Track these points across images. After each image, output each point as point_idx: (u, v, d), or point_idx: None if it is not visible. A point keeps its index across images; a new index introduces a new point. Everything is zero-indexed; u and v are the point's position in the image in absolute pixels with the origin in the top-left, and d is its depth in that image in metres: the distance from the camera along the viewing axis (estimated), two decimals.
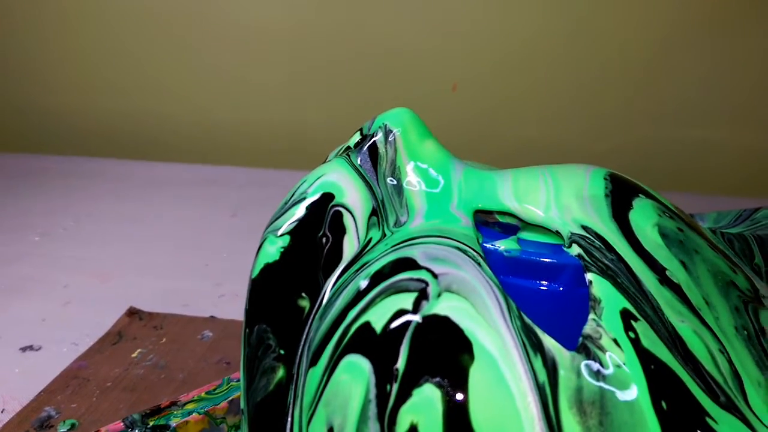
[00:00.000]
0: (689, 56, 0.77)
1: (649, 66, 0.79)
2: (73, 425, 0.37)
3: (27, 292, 0.52)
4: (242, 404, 0.24)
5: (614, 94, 0.81)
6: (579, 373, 0.19)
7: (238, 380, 0.37)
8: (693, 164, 0.80)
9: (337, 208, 0.25)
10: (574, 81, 0.81)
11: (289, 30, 0.83)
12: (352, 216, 0.25)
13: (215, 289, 0.53)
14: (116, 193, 0.75)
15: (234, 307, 0.50)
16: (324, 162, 0.29)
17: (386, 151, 0.27)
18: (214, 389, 0.36)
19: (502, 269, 0.23)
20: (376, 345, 0.20)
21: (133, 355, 0.43)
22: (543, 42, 0.79)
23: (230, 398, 0.36)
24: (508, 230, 0.26)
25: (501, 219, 0.27)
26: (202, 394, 0.36)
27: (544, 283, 0.23)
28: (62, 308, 0.50)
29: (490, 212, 0.26)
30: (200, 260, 0.58)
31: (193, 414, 0.34)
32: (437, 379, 0.19)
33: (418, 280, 0.21)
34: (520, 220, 0.25)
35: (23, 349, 0.44)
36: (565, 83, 0.81)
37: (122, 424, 0.33)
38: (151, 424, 0.33)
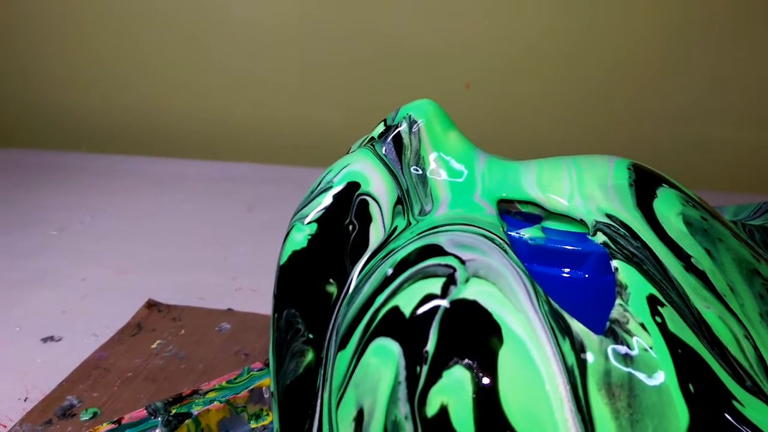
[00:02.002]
0: (697, 55, 0.77)
1: (660, 65, 0.79)
2: (95, 414, 0.37)
3: (46, 284, 0.53)
4: (272, 387, 0.24)
5: (624, 93, 0.81)
6: (607, 357, 0.19)
7: (259, 370, 0.37)
8: (702, 162, 0.80)
9: (363, 197, 0.25)
10: (583, 81, 0.81)
11: (301, 28, 0.84)
12: (378, 204, 0.25)
13: (232, 283, 0.53)
14: (131, 189, 0.76)
15: (251, 301, 0.50)
16: (347, 153, 0.29)
17: (410, 141, 0.27)
18: (235, 378, 0.37)
19: (526, 257, 0.23)
20: (406, 328, 0.21)
21: (153, 346, 0.44)
22: (552, 42, 0.79)
23: (251, 387, 0.36)
24: (531, 220, 0.26)
25: (523, 208, 0.28)
26: (223, 383, 0.36)
27: (569, 270, 0.23)
28: (81, 300, 0.50)
29: (511, 202, 0.27)
30: (216, 254, 0.59)
31: (215, 402, 0.35)
32: (467, 361, 0.19)
33: (446, 265, 0.22)
34: (543, 209, 0.25)
35: (44, 340, 0.45)
36: (573, 83, 0.81)
37: (145, 411, 0.34)
38: (173, 411, 0.34)
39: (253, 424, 0.36)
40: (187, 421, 0.33)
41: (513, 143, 0.83)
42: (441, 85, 0.83)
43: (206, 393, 0.35)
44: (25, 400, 0.39)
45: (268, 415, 0.36)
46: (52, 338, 0.45)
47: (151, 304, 0.49)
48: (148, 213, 0.69)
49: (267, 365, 0.38)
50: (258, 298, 0.51)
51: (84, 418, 0.37)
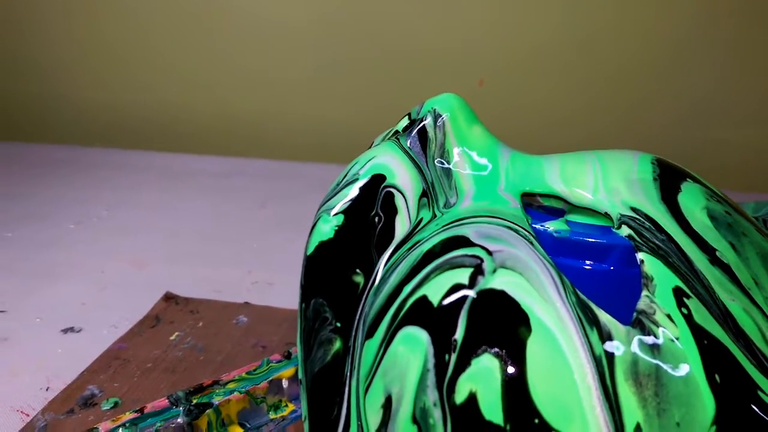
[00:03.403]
0: (705, 57, 0.77)
1: (668, 66, 0.79)
2: (116, 403, 0.38)
3: (65, 277, 0.53)
4: (300, 374, 0.24)
5: (632, 93, 0.81)
6: (634, 347, 0.19)
7: (278, 361, 0.38)
8: (709, 163, 0.80)
9: (388, 189, 0.26)
10: (592, 81, 0.81)
11: (314, 26, 0.84)
12: (403, 196, 0.26)
13: (247, 277, 0.54)
14: (146, 184, 0.76)
15: (266, 295, 0.51)
16: (370, 147, 0.30)
17: (435, 135, 0.27)
18: (255, 370, 0.37)
19: (551, 249, 0.24)
20: (434, 317, 0.21)
21: (171, 338, 0.44)
22: (562, 41, 0.80)
23: (270, 378, 0.36)
24: (553, 213, 0.26)
25: (545, 202, 0.28)
26: (243, 374, 0.37)
27: (593, 262, 0.23)
28: (100, 293, 0.51)
29: (534, 195, 0.27)
30: (231, 249, 0.59)
31: (235, 393, 0.35)
32: (495, 349, 0.19)
33: (473, 256, 0.22)
34: (567, 203, 0.26)
35: (65, 331, 0.45)
36: (582, 83, 0.81)
37: (167, 401, 0.34)
38: (194, 401, 0.34)
39: (272, 415, 0.36)
40: (208, 410, 0.34)
41: (521, 141, 0.83)
42: (453, 82, 0.84)
43: (226, 384, 0.36)
44: (46, 390, 0.39)
45: (286, 406, 0.36)
46: (72, 329, 0.46)
47: (168, 297, 0.49)
48: (163, 207, 0.69)
49: (285, 357, 0.38)
50: (274, 291, 0.51)
51: (105, 408, 0.37)
